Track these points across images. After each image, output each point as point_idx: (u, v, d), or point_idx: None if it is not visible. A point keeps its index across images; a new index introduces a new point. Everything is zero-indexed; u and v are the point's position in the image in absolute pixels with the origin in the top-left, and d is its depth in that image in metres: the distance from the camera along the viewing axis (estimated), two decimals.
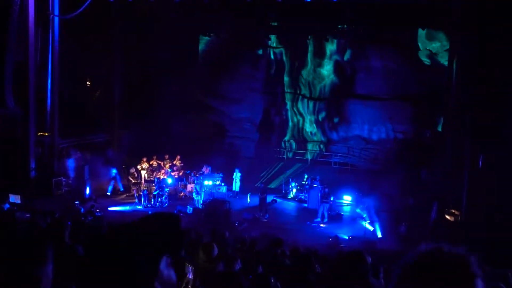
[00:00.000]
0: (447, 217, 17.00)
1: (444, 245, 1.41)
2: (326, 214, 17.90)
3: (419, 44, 24.08)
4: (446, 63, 22.13)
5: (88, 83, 26.66)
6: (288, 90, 27.23)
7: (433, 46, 23.86)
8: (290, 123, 27.40)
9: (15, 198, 15.76)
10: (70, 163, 20.94)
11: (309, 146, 27.00)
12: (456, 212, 16.90)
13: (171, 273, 1.52)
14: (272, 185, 23.06)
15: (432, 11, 20.92)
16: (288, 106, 27.32)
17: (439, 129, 22.94)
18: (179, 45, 25.59)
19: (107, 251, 1.48)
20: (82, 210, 16.00)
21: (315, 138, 26.98)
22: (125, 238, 1.50)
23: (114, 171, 20.95)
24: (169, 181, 20.59)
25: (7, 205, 13.80)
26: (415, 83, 24.06)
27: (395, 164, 22.05)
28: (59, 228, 4.24)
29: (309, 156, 25.95)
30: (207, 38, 27.30)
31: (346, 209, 19.93)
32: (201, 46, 27.70)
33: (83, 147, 22.87)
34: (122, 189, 21.03)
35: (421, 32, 23.86)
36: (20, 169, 18.99)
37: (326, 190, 18.58)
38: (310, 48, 26.44)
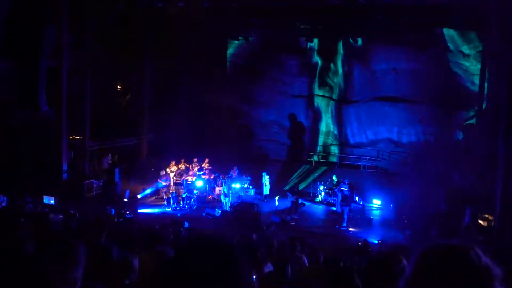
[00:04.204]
0: (480, 222, 16.59)
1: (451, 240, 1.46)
2: (345, 218, 17.67)
3: (450, 45, 23.62)
4: (479, 65, 21.66)
5: (118, 87, 27.13)
6: (317, 93, 27.11)
7: (465, 47, 23.37)
8: (319, 126, 27.26)
9: (49, 200, 16.14)
10: (103, 165, 21.33)
11: (338, 149, 26.80)
12: (490, 217, 16.47)
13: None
14: (299, 188, 23.00)
15: (464, 11, 20.49)
16: (317, 109, 27.19)
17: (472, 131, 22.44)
18: (208, 49, 25.78)
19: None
20: (113, 211, 16.24)
21: (344, 141, 26.76)
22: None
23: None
24: (198, 184, 20.72)
25: (30, 205, 13.95)
26: (446, 85, 23.60)
27: (425, 168, 21.66)
28: (97, 230, 4.32)
29: (337, 160, 25.72)
30: (236, 42, 27.46)
31: (376, 213, 19.69)
32: (230, 50, 27.87)
33: (114, 150, 23.29)
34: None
35: (453, 33, 23.39)
36: (53, 171, 19.43)
37: (347, 193, 18.36)
38: (339, 51, 26.29)
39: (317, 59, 26.86)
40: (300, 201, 19.36)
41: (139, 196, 20.29)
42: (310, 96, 27.23)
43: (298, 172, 24.28)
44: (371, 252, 12.37)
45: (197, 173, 21.40)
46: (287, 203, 19.62)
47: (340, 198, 18.51)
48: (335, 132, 26.97)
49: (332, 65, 26.59)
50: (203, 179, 21.05)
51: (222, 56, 27.68)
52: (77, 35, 20.30)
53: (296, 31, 25.95)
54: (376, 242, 15.53)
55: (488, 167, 17.17)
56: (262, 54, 26.91)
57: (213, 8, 22.10)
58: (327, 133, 27.16)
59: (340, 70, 26.43)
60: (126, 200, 19.37)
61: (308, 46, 26.75)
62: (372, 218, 18.90)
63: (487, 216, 16.51)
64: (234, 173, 20.88)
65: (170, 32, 24.48)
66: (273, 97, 27.20)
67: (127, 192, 19.91)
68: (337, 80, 26.60)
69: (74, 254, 2.29)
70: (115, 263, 3.85)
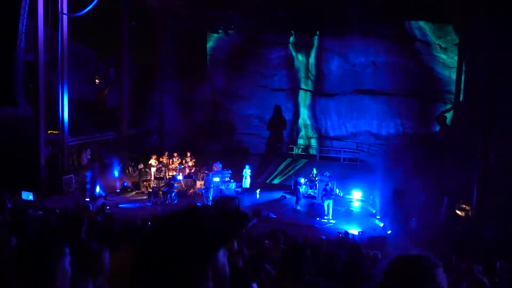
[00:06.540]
0: (458, 212, 16.91)
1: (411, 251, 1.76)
2: (330, 210, 17.85)
3: (428, 38, 23.90)
4: (456, 57, 21.97)
5: (97, 81, 26.76)
6: (297, 86, 27.17)
7: (442, 40, 23.67)
8: (299, 119, 27.35)
9: (27, 195, 15.88)
10: (82, 161, 21.09)
11: (318, 142, 26.94)
12: (467, 207, 16.80)
13: (226, 263, 1.50)
14: (276, 181, 23.20)
15: (442, 5, 20.73)
16: (297, 102, 27.26)
17: (448, 123, 22.80)
18: (188, 42, 25.61)
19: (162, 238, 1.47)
20: (91, 207, 16.06)
21: (323, 134, 26.91)
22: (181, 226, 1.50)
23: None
24: (179, 178, 20.65)
25: (9, 205, 13.70)
26: (424, 78, 23.94)
27: (404, 160, 21.92)
28: (75, 225, 4.28)
29: (317, 152, 25.86)
30: (215, 35, 27.31)
31: (356, 204, 19.88)
32: (209, 44, 27.72)
33: (93, 145, 23.01)
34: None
35: (431, 27, 23.66)
36: (30, 167, 19.10)
37: (329, 185, 18.49)
38: (318, 44, 26.35)
39: (296, 52, 26.90)
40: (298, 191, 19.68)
41: (118, 190, 20.22)
42: (290, 90, 27.27)
43: (278, 165, 24.32)
44: (351, 244, 12.52)
45: (178, 167, 21.34)
46: (268, 197, 19.92)
47: (322, 190, 18.62)
48: (315, 125, 27.09)
49: (311, 58, 26.66)
50: (182, 173, 21.00)
51: (202, 49, 27.50)
52: (54, 28, 19.91)
53: (275, 24, 25.93)
54: (356, 233, 15.74)
55: (465, 158, 17.48)
56: (241, 47, 26.85)
57: (192, 1, 21.91)
58: (307, 126, 27.27)
59: (319, 63, 26.51)
60: (105, 195, 19.21)
61: (288, 39, 26.76)
62: (352, 210, 19.11)
63: (464, 206, 16.83)
64: (215, 167, 20.85)
65: (149, 25, 24.27)
66: (254, 90, 27.17)
67: (99, 187, 19.76)
68: (317, 73, 26.67)
69: (101, 261, 2.29)
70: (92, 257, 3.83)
